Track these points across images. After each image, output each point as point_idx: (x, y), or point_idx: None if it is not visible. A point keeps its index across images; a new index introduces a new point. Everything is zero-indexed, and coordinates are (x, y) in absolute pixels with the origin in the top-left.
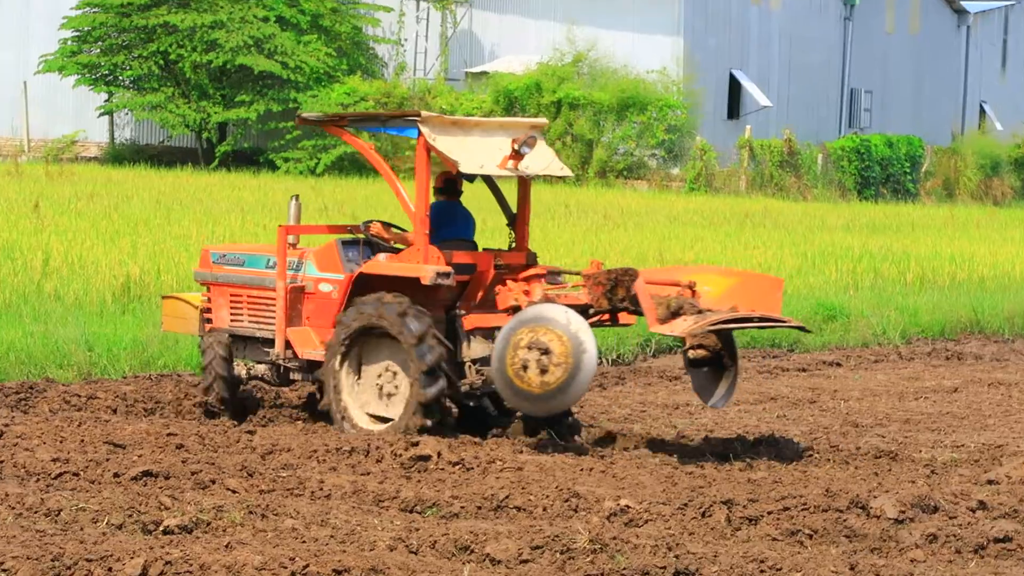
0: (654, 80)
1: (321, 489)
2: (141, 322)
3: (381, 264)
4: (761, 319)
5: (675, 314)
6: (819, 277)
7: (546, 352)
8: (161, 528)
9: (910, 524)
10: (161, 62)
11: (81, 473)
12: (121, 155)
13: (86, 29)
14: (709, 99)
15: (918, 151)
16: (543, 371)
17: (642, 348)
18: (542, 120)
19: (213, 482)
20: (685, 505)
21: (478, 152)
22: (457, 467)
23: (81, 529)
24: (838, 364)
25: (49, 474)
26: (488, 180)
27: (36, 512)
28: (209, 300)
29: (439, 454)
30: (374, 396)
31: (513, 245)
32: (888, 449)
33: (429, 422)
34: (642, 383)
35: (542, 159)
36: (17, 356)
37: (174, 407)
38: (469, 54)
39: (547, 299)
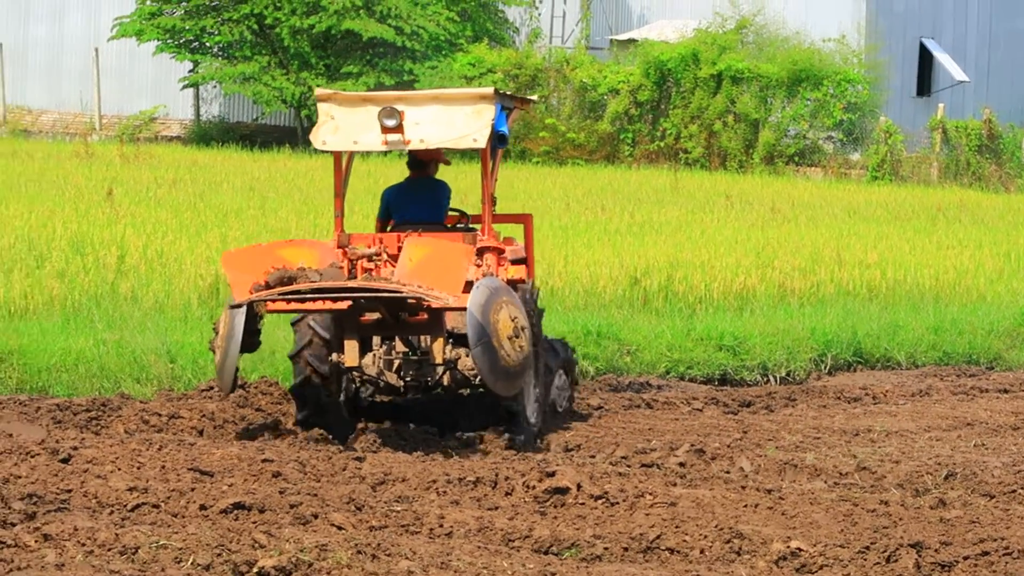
0: (831, 50)
1: (441, 526)
2: None
3: None
4: (367, 289)
5: (282, 284)
6: None
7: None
8: (255, 570)
9: None
10: (255, 26)
11: (162, 505)
12: (208, 134)
13: None
14: (896, 73)
15: None
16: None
17: (816, 364)
18: (487, 90)
19: (315, 516)
20: (866, 548)
21: (361, 128)
22: (600, 501)
23: (162, 570)
24: None
25: (125, 505)
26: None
27: (110, 550)
28: None
29: (579, 486)
30: None
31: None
32: None
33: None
34: (816, 405)
35: (450, 129)
36: (88, 368)
37: (270, 428)
38: (615, 18)
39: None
